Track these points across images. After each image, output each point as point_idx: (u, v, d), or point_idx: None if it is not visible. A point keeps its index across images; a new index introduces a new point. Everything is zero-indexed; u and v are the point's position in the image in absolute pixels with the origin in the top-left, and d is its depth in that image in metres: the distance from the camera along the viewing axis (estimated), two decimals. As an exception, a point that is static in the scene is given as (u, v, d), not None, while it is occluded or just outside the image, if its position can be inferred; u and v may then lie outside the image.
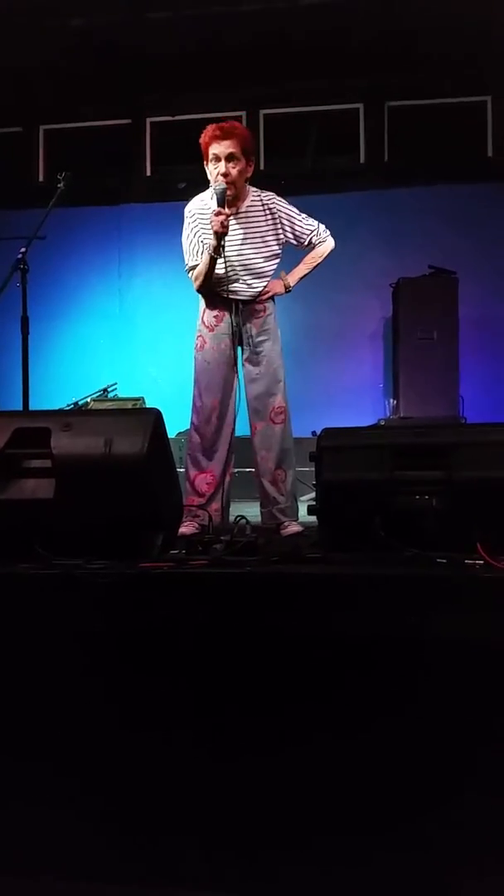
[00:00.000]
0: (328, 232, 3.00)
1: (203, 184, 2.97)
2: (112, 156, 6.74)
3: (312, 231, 2.97)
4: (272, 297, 2.98)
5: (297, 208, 3.00)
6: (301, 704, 1.72)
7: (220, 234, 2.76)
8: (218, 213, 2.75)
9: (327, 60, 5.81)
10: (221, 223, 2.74)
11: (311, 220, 2.98)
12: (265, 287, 2.94)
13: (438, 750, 1.67)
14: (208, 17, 5.37)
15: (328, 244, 3.00)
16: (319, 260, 3.00)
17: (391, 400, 5.75)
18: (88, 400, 5.39)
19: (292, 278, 2.99)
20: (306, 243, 2.98)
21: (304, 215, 2.98)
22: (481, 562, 1.81)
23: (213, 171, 2.82)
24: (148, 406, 4.16)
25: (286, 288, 2.98)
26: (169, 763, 1.74)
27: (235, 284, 2.90)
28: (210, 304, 2.95)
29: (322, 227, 2.99)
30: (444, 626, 1.69)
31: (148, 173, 6.78)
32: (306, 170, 6.62)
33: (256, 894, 1.71)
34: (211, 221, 2.77)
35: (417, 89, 6.25)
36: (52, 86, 6.05)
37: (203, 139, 2.83)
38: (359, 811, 1.69)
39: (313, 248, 2.99)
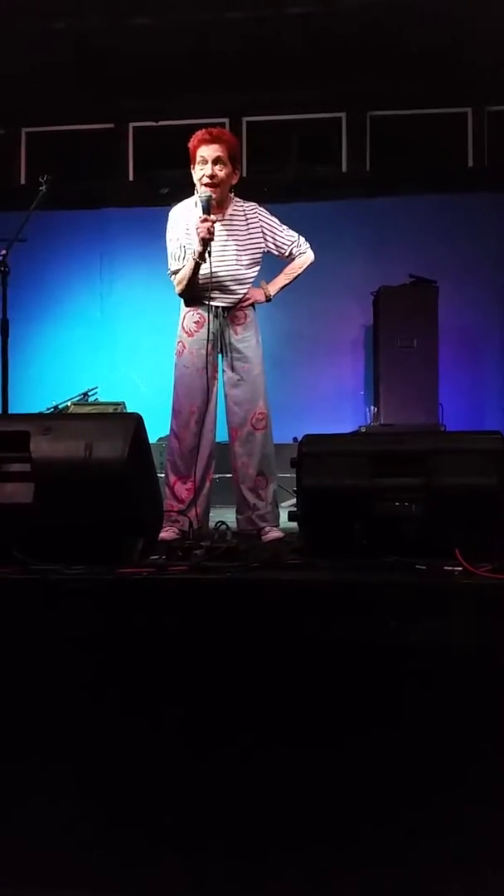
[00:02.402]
0: (308, 245, 3.04)
1: (185, 188, 2.97)
2: (94, 160, 6.73)
3: (293, 242, 3.00)
4: (253, 305, 2.99)
5: (280, 216, 3.03)
6: (282, 710, 1.72)
7: (207, 241, 2.77)
8: (204, 220, 2.77)
9: (310, 69, 5.85)
10: (208, 230, 2.76)
11: (291, 232, 3.02)
12: (245, 294, 2.95)
13: (419, 753, 1.68)
14: (193, 23, 5.38)
15: (308, 256, 3.03)
16: (299, 271, 3.04)
17: (371, 407, 5.78)
18: (68, 404, 5.36)
19: (273, 287, 3.02)
20: (287, 254, 3.02)
21: (285, 227, 3.02)
22: (460, 568, 1.83)
23: (200, 172, 2.84)
24: (128, 411, 4.15)
25: (267, 297, 3.00)
26: (153, 769, 1.73)
27: (217, 291, 2.90)
28: (191, 310, 2.95)
29: (302, 239, 3.03)
30: (424, 632, 1.70)
31: (130, 178, 6.77)
32: (288, 178, 6.64)
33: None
34: (197, 228, 2.78)
35: (399, 99, 6.31)
36: (35, 89, 6.03)
37: (192, 143, 2.86)
38: (344, 816, 1.69)
39: (293, 259, 3.02)
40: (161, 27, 5.40)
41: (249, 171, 6.23)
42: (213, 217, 2.79)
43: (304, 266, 3.03)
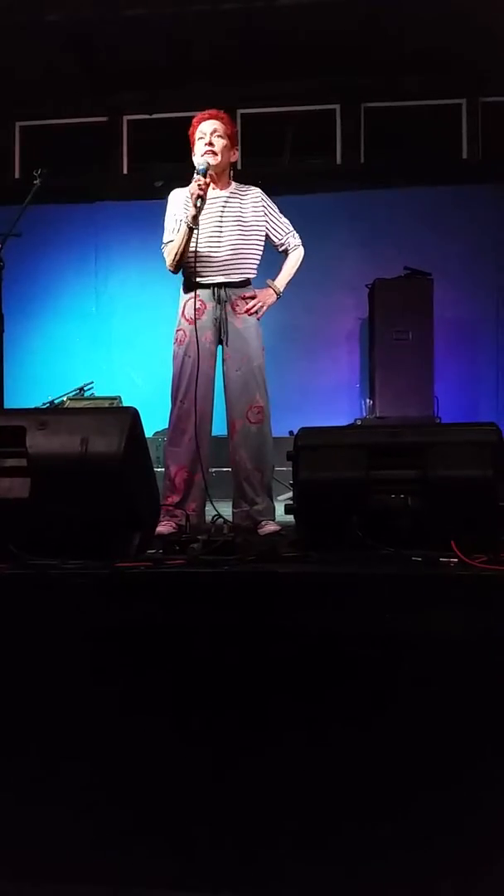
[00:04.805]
0: (299, 239, 3.06)
1: (180, 181, 2.98)
2: (89, 153, 6.71)
3: (289, 233, 3.04)
4: (263, 304, 2.98)
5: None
6: (279, 702, 1.73)
7: (200, 199, 2.80)
8: (198, 180, 2.82)
9: (305, 61, 5.83)
10: (200, 187, 2.80)
11: (288, 222, 3.06)
12: (257, 300, 2.95)
13: (417, 745, 1.69)
14: (186, 15, 5.36)
15: (301, 251, 3.07)
16: (296, 267, 3.07)
17: (367, 400, 5.79)
18: (64, 398, 5.35)
19: (280, 283, 3.03)
20: (282, 243, 3.04)
21: (282, 216, 3.05)
22: (456, 559, 1.84)
23: (199, 145, 2.90)
24: (125, 405, 4.14)
25: (277, 294, 3.01)
26: (152, 762, 1.74)
27: (219, 266, 2.90)
28: (191, 297, 2.94)
29: (294, 232, 3.06)
30: (420, 624, 1.70)
31: (125, 171, 6.75)
32: (283, 170, 6.63)
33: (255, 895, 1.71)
34: (191, 190, 2.82)
35: (393, 91, 6.30)
36: (28, 82, 6.00)
37: (191, 126, 2.94)
38: (343, 810, 1.70)
39: (287, 253, 3.05)
40: (155, 19, 5.37)
41: (244, 164, 6.20)
42: (208, 179, 2.84)
43: (299, 261, 3.07)
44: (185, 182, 2.92)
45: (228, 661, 1.74)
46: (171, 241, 2.92)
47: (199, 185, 2.81)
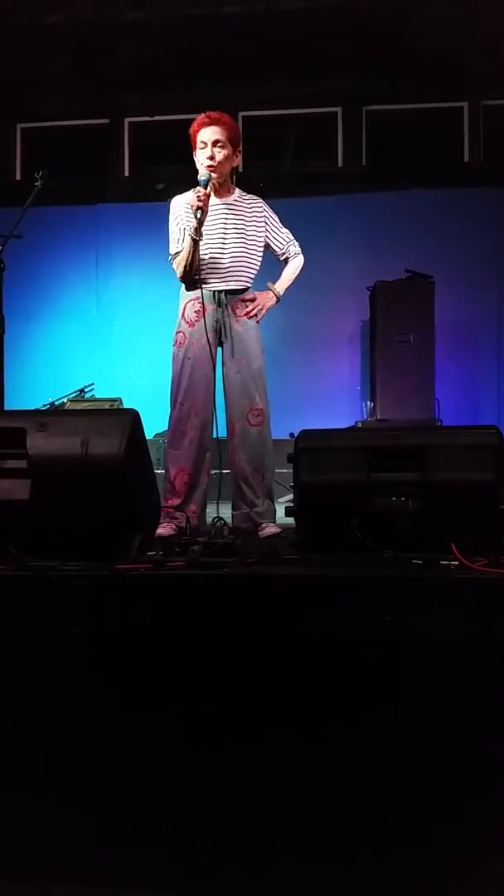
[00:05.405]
0: (299, 247, 3.08)
1: (181, 184, 2.98)
2: (90, 155, 6.71)
3: (289, 241, 3.06)
4: (263, 307, 2.99)
5: (276, 212, 3.07)
6: (279, 705, 1.73)
7: (201, 211, 2.78)
8: (198, 192, 2.80)
9: (306, 64, 5.84)
10: (199, 198, 2.78)
11: (288, 232, 3.08)
12: (257, 303, 2.96)
13: (417, 747, 1.69)
14: (188, 18, 5.37)
15: (301, 259, 3.09)
16: (296, 274, 3.09)
17: (368, 402, 5.79)
18: (65, 400, 5.35)
19: (280, 287, 3.04)
20: (282, 252, 3.06)
21: (282, 226, 3.07)
22: (456, 562, 1.84)
23: (201, 155, 2.88)
24: (125, 407, 4.15)
25: (277, 298, 3.01)
26: (151, 764, 1.74)
27: (220, 273, 2.91)
28: (192, 299, 2.94)
29: (294, 241, 3.08)
30: (420, 627, 1.70)
31: (126, 173, 6.76)
32: (284, 173, 6.64)
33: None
34: (191, 202, 2.81)
35: (395, 94, 6.30)
36: (30, 84, 6.01)
37: (192, 128, 2.90)
38: (342, 811, 1.70)
39: (287, 261, 3.07)
40: (156, 21, 5.38)
41: (245, 166, 6.19)
42: (209, 191, 2.82)
43: (299, 268, 3.09)
44: (187, 185, 2.92)
45: (228, 663, 1.74)
46: (178, 252, 2.91)
47: (198, 196, 2.78)
